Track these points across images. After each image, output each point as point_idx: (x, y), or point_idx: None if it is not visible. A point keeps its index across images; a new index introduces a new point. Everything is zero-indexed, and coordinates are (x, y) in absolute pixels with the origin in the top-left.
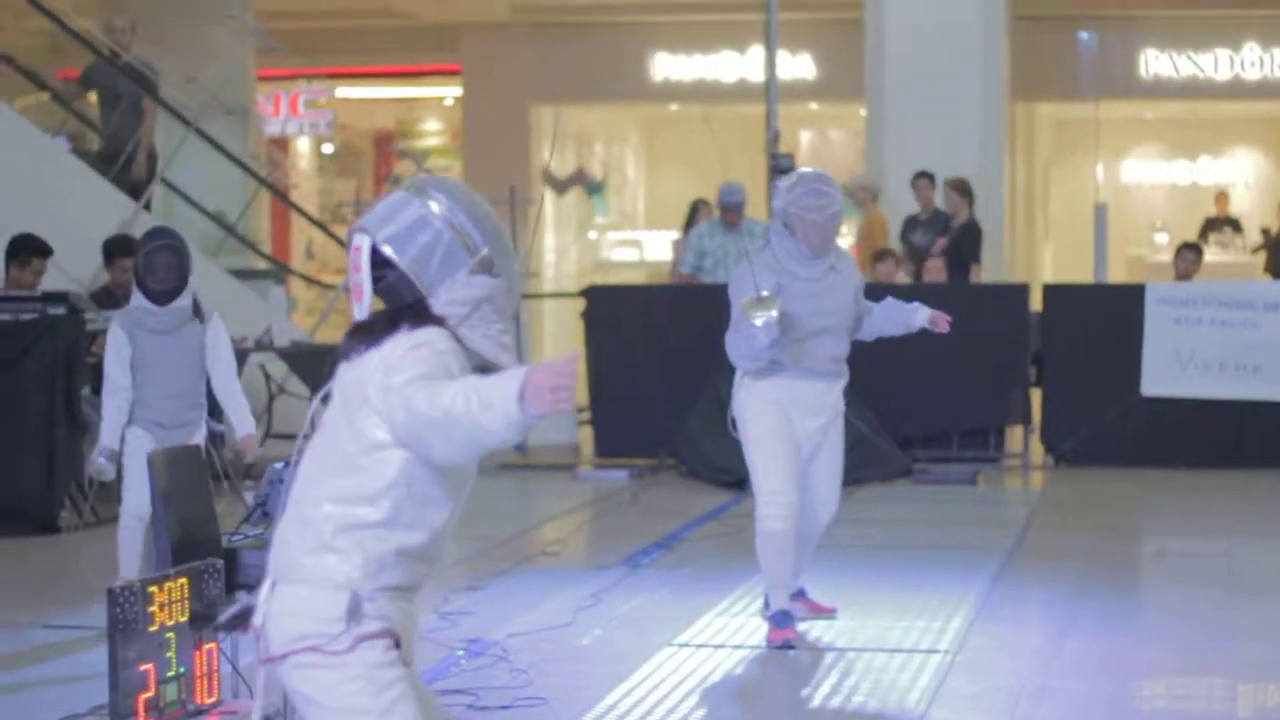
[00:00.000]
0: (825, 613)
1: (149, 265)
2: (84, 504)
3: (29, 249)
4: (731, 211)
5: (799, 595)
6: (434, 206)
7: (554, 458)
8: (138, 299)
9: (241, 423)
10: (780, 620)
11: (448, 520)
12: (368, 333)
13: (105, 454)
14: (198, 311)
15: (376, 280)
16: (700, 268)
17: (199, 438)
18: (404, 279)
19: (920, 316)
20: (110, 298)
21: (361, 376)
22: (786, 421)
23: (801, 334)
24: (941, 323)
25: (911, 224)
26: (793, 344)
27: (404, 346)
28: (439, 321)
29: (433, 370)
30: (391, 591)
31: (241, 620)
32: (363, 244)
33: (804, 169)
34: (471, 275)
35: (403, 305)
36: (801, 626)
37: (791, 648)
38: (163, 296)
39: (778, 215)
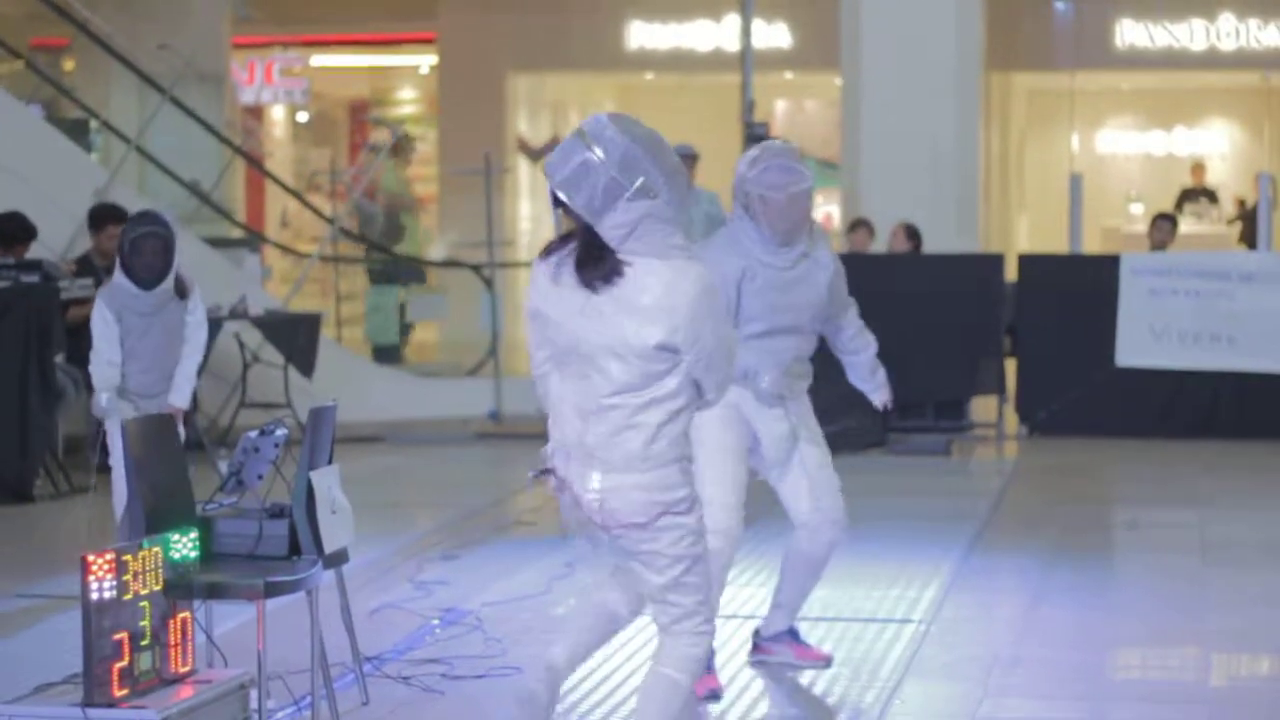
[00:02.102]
0: (818, 660)
1: (135, 250)
2: (58, 473)
3: (12, 234)
4: (684, 163)
5: (792, 638)
6: (596, 154)
7: (530, 426)
8: (121, 279)
9: (180, 394)
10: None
11: None
12: (595, 261)
13: (106, 389)
14: (180, 288)
15: (561, 206)
16: None
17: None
18: (574, 212)
19: (878, 396)
20: (89, 266)
21: (654, 317)
22: (744, 431)
23: (765, 330)
24: (888, 405)
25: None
26: (757, 341)
27: (692, 286)
28: (604, 254)
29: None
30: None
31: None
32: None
33: (769, 141)
34: (630, 202)
35: (584, 227)
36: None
37: (717, 698)
38: (148, 282)
39: (737, 194)
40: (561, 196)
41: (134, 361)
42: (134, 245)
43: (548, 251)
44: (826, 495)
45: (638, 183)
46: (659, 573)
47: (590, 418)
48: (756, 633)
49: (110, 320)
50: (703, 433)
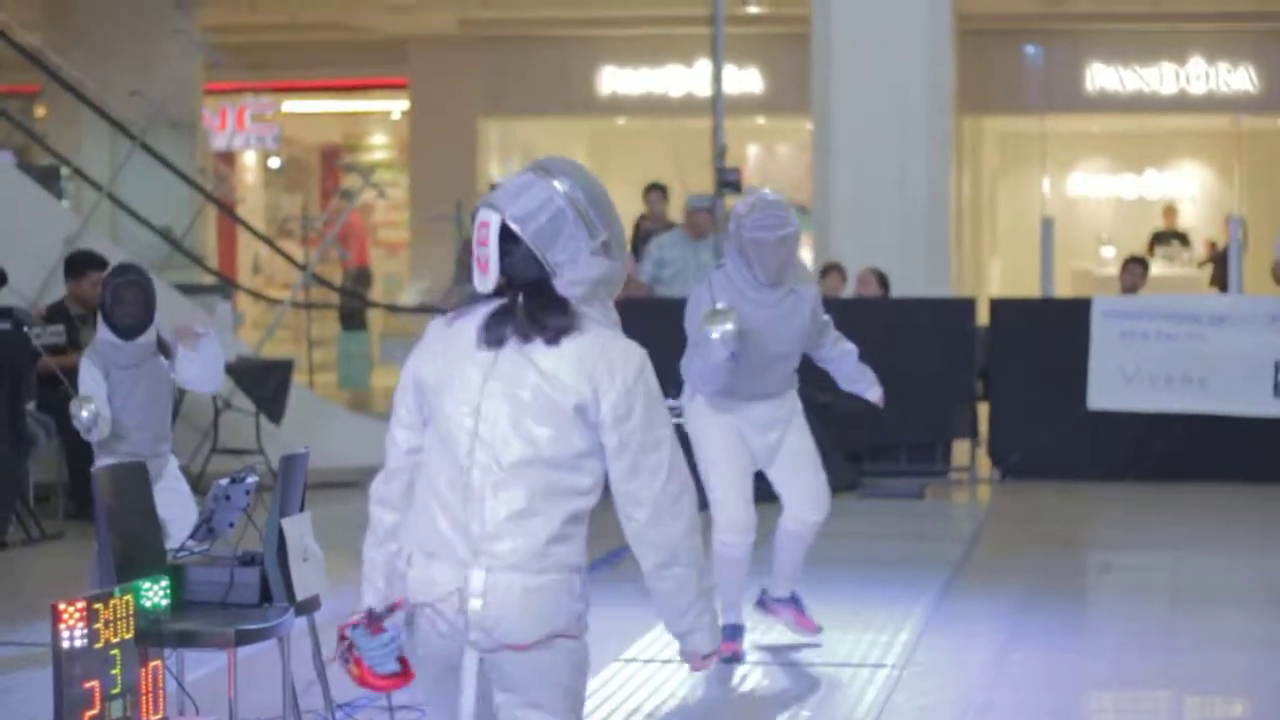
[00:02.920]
0: (808, 630)
1: (116, 299)
2: (29, 520)
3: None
4: (700, 214)
5: (793, 601)
6: (559, 187)
7: None
8: (104, 333)
9: None
10: (727, 633)
11: None
12: (524, 318)
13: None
14: (163, 347)
15: (502, 255)
16: (659, 278)
17: (171, 465)
18: (529, 256)
19: (872, 394)
20: (62, 313)
21: (575, 386)
22: (738, 436)
23: (757, 362)
24: (881, 401)
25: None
26: (748, 373)
27: (630, 368)
28: (566, 305)
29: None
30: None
31: (377, 621)
32: (491, 219)
33: (763, 191)
34: (593, 256)
35: (529, 281)
36: (749, 637)
37: (739, 660)
38: (129, 332)
39: (732, 240)
40: (521, 234)
41: (125, 419)
42: (115, 294)
43: (457, 312)
44: (810, 484)
45: (601, 237)
46: (538, 709)
47: (479, 501)
48: (764, 590)
49: (99, 378)
50: (702, 441)
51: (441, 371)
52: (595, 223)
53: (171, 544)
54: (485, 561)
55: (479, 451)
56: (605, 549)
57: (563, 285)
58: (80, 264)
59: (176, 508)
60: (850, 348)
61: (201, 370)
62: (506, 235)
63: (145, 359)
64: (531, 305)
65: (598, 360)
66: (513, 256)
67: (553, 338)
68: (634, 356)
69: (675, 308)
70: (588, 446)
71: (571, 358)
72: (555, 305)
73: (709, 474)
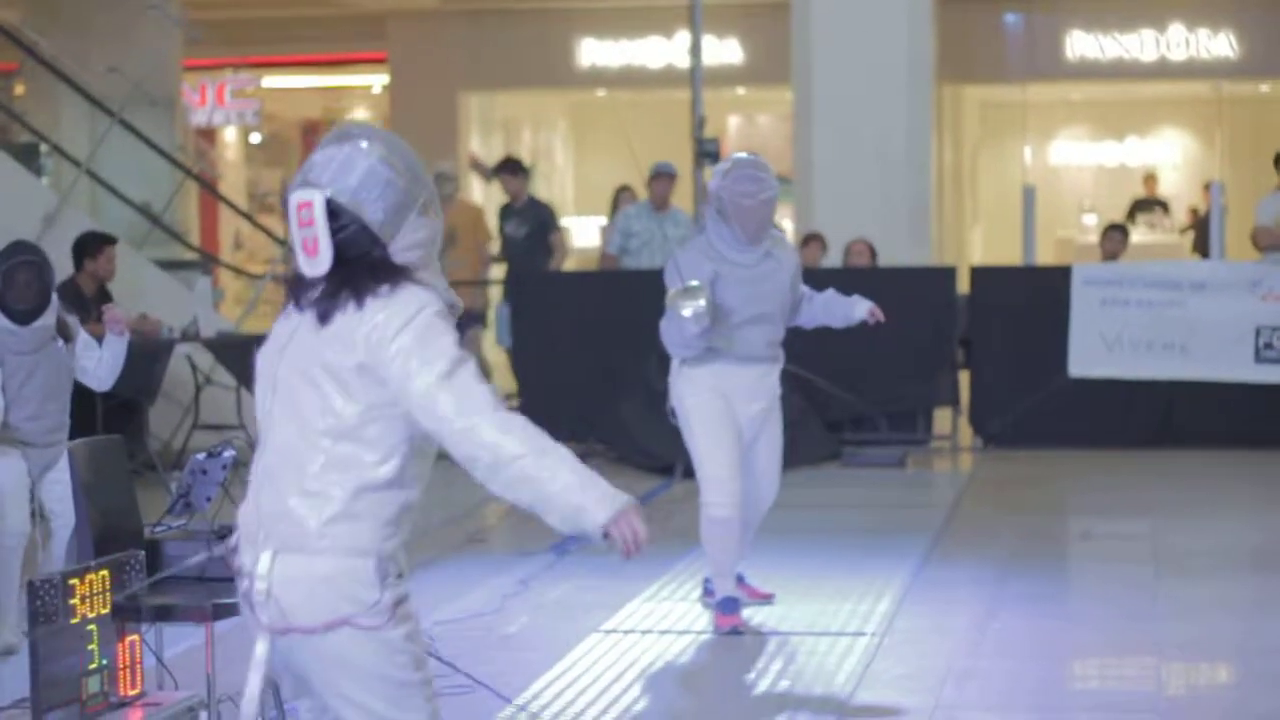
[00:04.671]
0: (763, 598)
1: (8, 282)
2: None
3: None
4: (661, 180)
5: (738, 581)
6: (373, 153)
7: None
8: None
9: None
10: (727, 606)
11: (428, 475)
12: (338, 291)
13: None
14: (64, 330)
15: (333, 233)
16: (626, 249)
17: (63, 460)
18: (362, 230)
19: (860, 309)
20: (75, 292)
21: (353, 342)
22: (728, 407)
23: (738, 320)
24: (878, 314)
25: (506, 213)
26: (729, 331)
27: (408, 311)
28: (404, 272)
29: (454, 344)
30: (399, 551)
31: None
32: (313, 198)
33: (738, 154)
34: (419, 217)
35: (363, 255)
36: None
37: (740, 633)
38: (24, 316)
39: (712, 201)
40: (349, 208)
41: (19, 408)
42: (7, 276)
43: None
44: (768, 477)
45: (423, 197)
46: (345, 700)
47: (268, 479)
48: (707, 580)
49: None
50: (689, 411)
51: (262, 358)
52: (414, 184)
53: (53, 543)
54: (271, 543)
55: (271, 430)
56: None
57: (398, 252)
58: (93, 242)
59: (62, 504)
60: (825, 292)
61: (99, 366)
62: (332, 212)
63: (43, 344)
64: (363, 278)
65: (379, 313)
66: (345, 233)
67: (360, 302)
68: (414, 300)
69: (644, 279)
70: (372, 409)
71: (355, 318)
72: (388, 273)
73: (695, 442)
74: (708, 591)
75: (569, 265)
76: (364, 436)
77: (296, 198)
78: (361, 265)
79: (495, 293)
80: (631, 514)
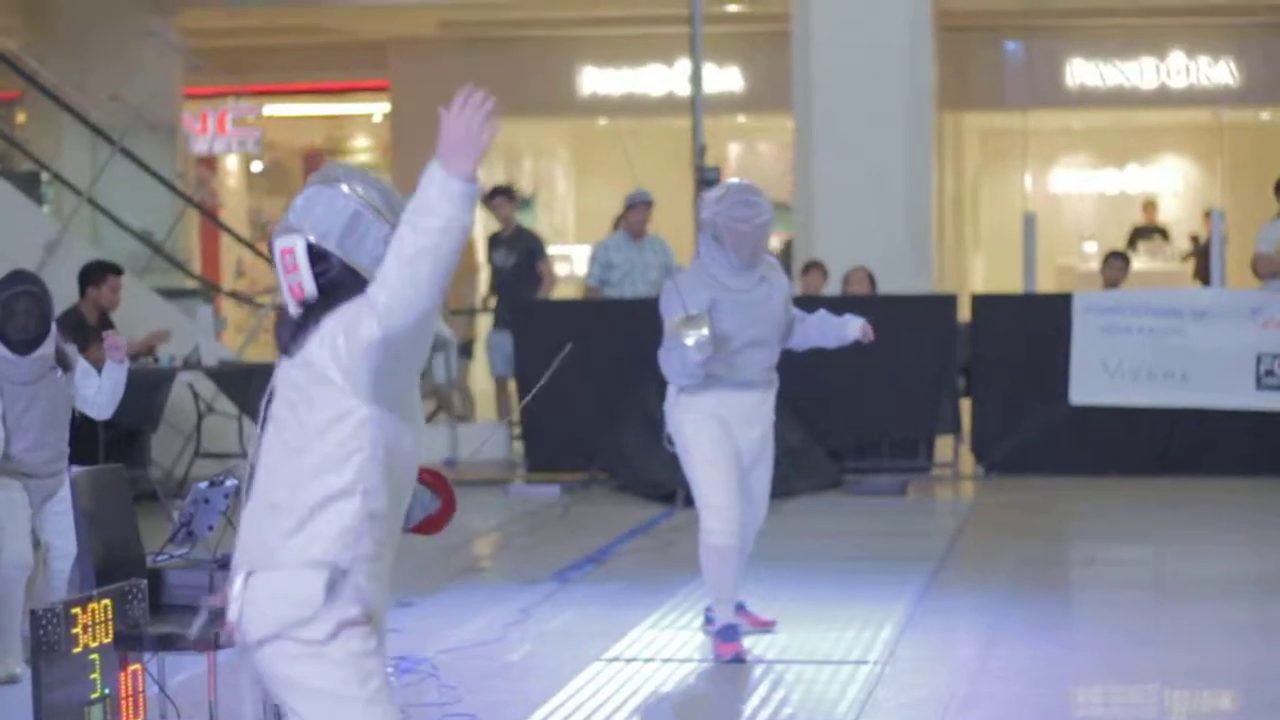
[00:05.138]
0: (764, 625)
1: (8, 312)
2: None
3: None
4: (640, 209)
5: (739, 609)
6: (345, 189)
7: (486, 473)
8: None
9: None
10: (728, 634)
11: (405, 486)
12: (310, 319)
13: None
14: (63, 359)
15: (317, 276)
16: (606, 280)
17: (64, 488)
18: (346, 271)
19: (852, 329)
20: (77, 321)
21: (308, 360)
22: (727, 435)
23: (736, 346)
24: (869, 332)
25: (494, 242)
26: (727, 356)
27: (349, 307)
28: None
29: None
30: (367, 563)
31: (212, 623)
32: (295, 244)
33: (731, 180)
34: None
35: (341, 291)
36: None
37: (742, 660)
38: (23, 346)
39: (706, 227)
40: (328, 248)
41: (20, 439)
42: (7, 306)
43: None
44: (760, 502)
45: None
46: (293, 714)
47: (250, 503)
48: (708, 608)
49: None
50: (689, 439)
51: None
52: (387, 215)
53: (50, 574)
54: (245, 563)
55: (257, 461)
56: (587, 551)
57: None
58: (98, 271)
59: (61, 535)
60: (816, 313)
61: (98, 394)
62: (315, 255)
63: (42, 374)
64: (329, 310)
65: (328, 321)
66: (329, 274)
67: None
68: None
69: (641, 306)
70: (331, 422)
71: (314, 336)
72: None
73: (695, 470)
74: (709, 620)
75: (570, 294)
76: (322, 448)
77: (280, 244)
78: (332, 304)
79: (483, 322)
80: (442, 141)
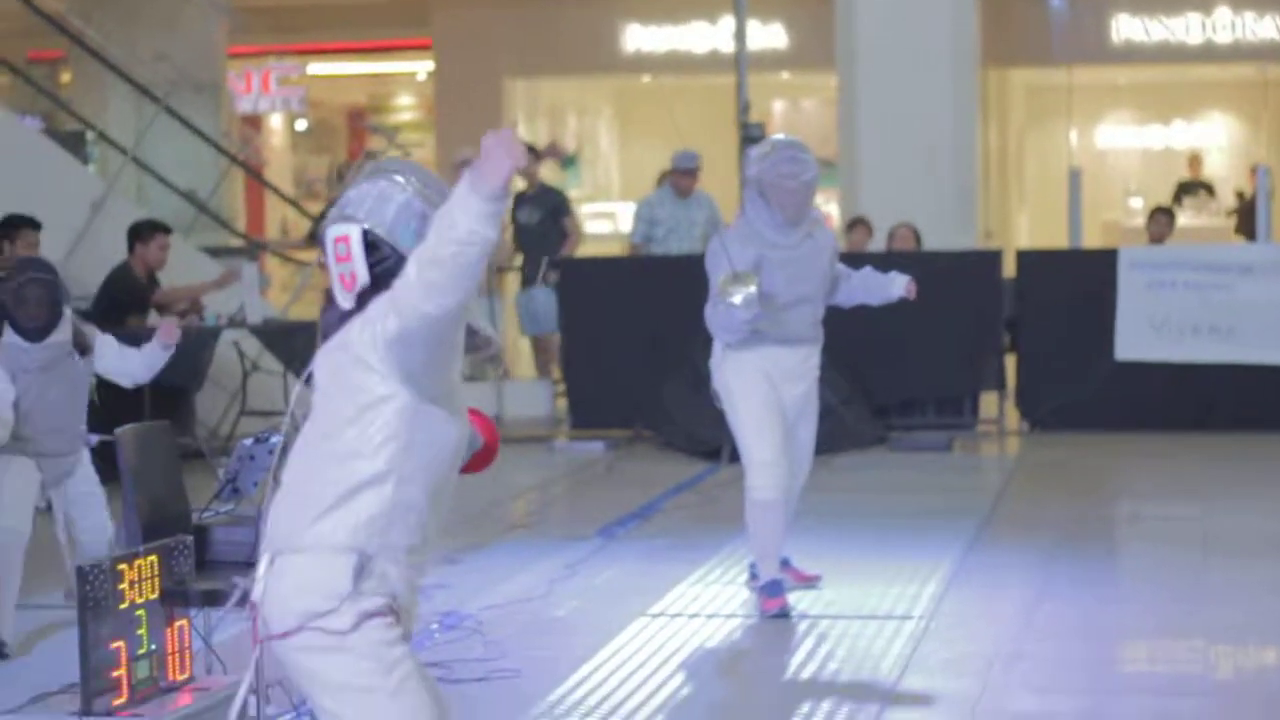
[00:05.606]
0: (810, 581)
1: (20, 299)
2: None
3: (15, 224)
4: (685, 176)
5: (784, 564)
6: (411, 188)
7: (530, 430)
8: (9, 335)
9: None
10: (772, 589)
11: (444, 477)
12: (356, 309)
13: None
14: (80, 343)
15: (371, 265)
16: (651, 237)
17: (83, 466)
18: (400, 262)
19: (897, 287)
20: (129, 278)
21: (346, 342)
22: (773, 391)
23: (782, 303)
24: (914, 290)
25: (519, 200)
26: (774, 313)
27: (379, 302)
28: None
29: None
30: (396, 552)
31: (244, 601)
32: (350, 232)
33: (777, 136)
34: None
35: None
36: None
37: (786, 615)
38: (36, 334)
39: (751, 184)
40: (384, 238)
41: (37, 421)
42: (18, 294)
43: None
44: (805, 461)
45: None
46: (318, 706)
47: (281, 486)
48: (753, 564)
49: (6, 380)
50: (735, 394)
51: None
52: (439, 206)
53: (79, 549)
54: (271, 545)
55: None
56: (632, 507)
57: None
58: (147, 229)
59: (92, 514)
60: (862, 270)
61: (132, 368)
62: (368, 244)
63: (57, 360)
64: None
65: (375, 307)
66: (384, 265)
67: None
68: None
69: (686, 263)
70: (364, 408)
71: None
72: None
73: (740, 422)
74: (753, 575)
75: (613, 251)
76: (355, 433)
77: (333, 232)
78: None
79: (511, 281)
80: (477, 163)
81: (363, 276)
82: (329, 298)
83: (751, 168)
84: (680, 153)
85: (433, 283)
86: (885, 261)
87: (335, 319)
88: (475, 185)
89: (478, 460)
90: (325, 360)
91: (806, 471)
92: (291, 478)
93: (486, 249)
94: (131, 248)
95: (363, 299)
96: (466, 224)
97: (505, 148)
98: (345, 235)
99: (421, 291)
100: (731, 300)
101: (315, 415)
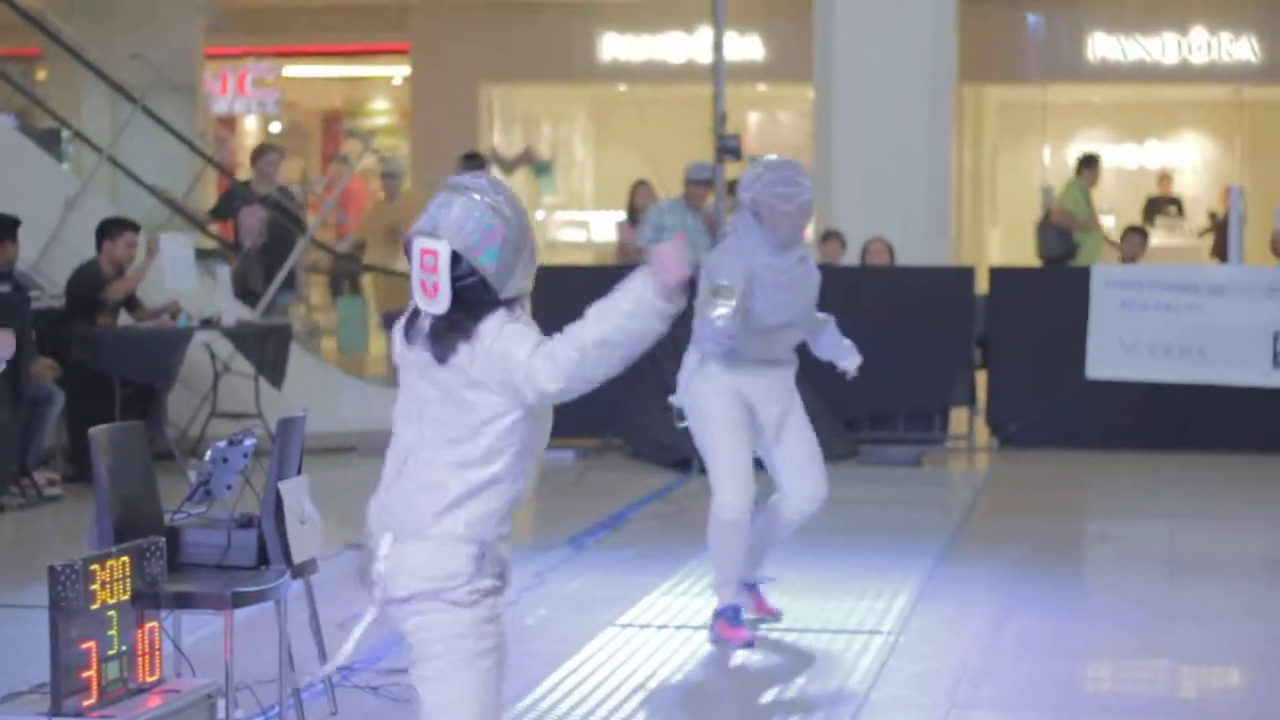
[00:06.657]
0: (770, 614)
1: None
2: (27, 483)
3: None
4: (700, 187)
5: (751, 587)
6: (490, 206)
7: None
8: None
9: None
10: (731, 617)
11: (535, 472)
12: (449, 334)
13: None
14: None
15: (454, 281)
16: (657, 242)
17: None
18: (480, 282)
19: (846, 359)
20: (96, 275)
21: (462, 363)
22: (745, 409)
23: (771, 324)
24: (855, 370)
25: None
26: (761, 334)
27: (498, 330)
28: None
29: (534, 334)
30: (505, 537)
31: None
32: (439, 249)
33: (770, 157)
34: (525, 267)
35: (477, 301)
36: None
37: (750, 645)
38: None
39: (745, 205)
40: (474, 261)
41: None
42: None
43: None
44: (811, 469)
45: (528, 246)
46: (414, 666)
47: (398, 472)
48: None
49: None
50: (706, 410)
51: (401, 364)
52: (522, 233)
53: None
54: (393, 528)
55: (403, 430)
56: (602, 516)
57: (505, 295)
58: (114, 227)
59: None
60: (827, 317)
61: None
62: (455, 262)
63: None
64: (469, 324)
65: (478, 342)
66: (465, 282)
67: (468, 339)
68: (497, 319)
69: None
70: (486, 421)
71: (465, 353)
72: (489, 311)
73: (709, 443)
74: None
75: (586, 259)
76: (478, 442)
77: (421, 244)
78: (470, 312)
79: None
80: (655, 265)
81: (445, 290)
82: (414, 309)
83: (745, 190)
84: (694, 164)
85: (586, 367)
86: (858, 276)
87: (429, 331)
88: (657, 289)
89: None
90: (432, 375)
91: (819, 493)
92: (412, 474)
93: (645, 347)
94: (100, 245)
95: (455, 318)
96: (645, 323)
97: (680, 255)
98: (434, 249)
99: (572, 375)
100: (711, 316)
101: (428, 415)
